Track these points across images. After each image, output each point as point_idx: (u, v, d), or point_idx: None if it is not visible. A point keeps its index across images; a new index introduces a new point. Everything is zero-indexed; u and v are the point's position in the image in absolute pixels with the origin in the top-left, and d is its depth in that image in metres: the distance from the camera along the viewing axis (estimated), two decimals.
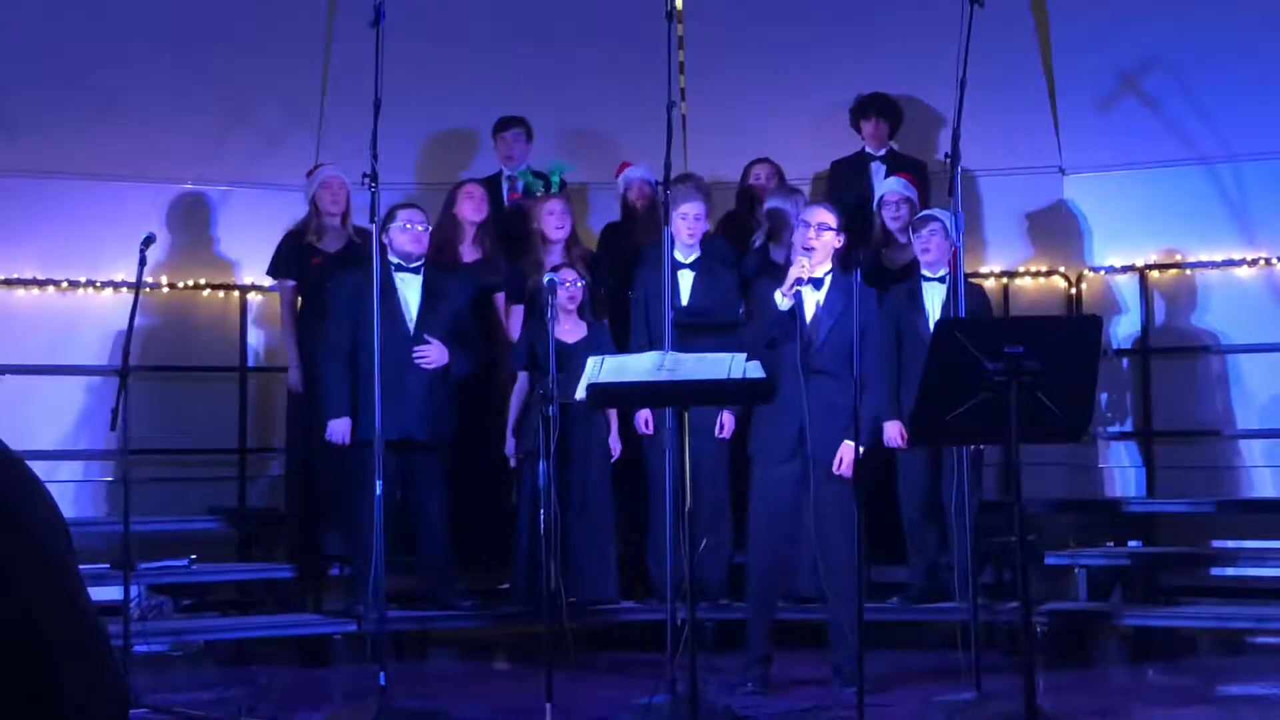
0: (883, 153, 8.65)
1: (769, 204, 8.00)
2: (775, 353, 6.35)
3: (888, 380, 7.45)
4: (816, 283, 6.53)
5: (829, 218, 6.61)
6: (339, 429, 7.38)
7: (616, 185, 8.59)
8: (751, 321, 6.71)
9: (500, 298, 8.14)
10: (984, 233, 8.92)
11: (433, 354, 7.45)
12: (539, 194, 8.35)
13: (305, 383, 7.92)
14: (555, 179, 8.46)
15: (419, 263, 7.50)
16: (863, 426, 6.10)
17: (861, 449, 6.17)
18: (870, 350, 6.49)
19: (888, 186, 8.15)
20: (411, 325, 7.45)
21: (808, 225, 6.57)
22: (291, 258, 8.06)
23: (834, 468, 6.42)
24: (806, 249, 6.50)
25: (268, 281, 8.67)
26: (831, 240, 6.57)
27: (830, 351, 6.47)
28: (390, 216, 7.43)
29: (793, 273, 6.46)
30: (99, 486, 8.34)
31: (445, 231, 7.97)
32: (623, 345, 7.65)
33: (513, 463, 7.75)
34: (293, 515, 8.14)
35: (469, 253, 8.10)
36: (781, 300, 6.44)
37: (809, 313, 6.52)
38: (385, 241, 7.42)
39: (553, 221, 8.02)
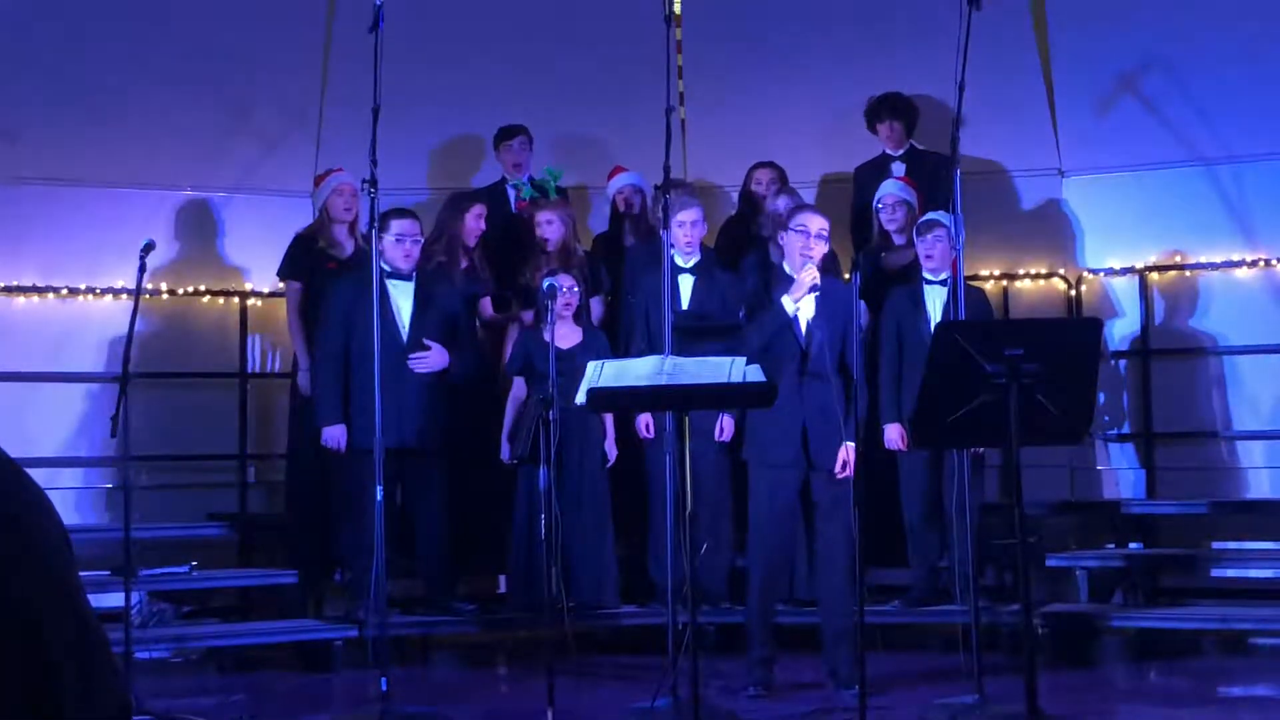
0: (902, 152, 8.61)
1: (773, 206, 7.99)
2: (773, 359, 6.35)
3: (889, 383, 7.47)
4: (813, 288, 6.53)
5: (826, 225, 6.61)
6: (334, 435, 7.39)
7: (606, 190, 8.60)
8: (749, 323, 6.69)
9: (486, 303, 8.15)
10: (983, 235, 8.91)
11: (431, 358, 7.47)
12: (539, 200, 8.38)
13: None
14: (551, 186, 8.47)
15: (410, 271, 7.52)
16: (856, 426, 6.11)
17: (860, 449, 6.18)
18: (864, 351, 6.51)
19: (885, 189, 8.15)
20: (405, 332, 7.47)
21: (806, 233, 6.54)
22: (302, 260, 8.05)
23: (836, 470, 6.43)
24: (806, 255, 6.50)
25: (267, 288, 8.68)
26: (824, 247, 6.59)
27: (825, 355, 6.48)
28: (384, 225, 7.43)
29: (805, 280, 6.43)
30: (99, 493, 8.35)
31: (447, 244, 7.95)
32: (619, 350, 7.67)
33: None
34: (297, 520, 8.12)
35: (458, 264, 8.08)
36: (790, 306, 6.45)
37: (802, 319, 6.52)
38: (378, 249, 7.43)
39: (546, 229, 8.07)
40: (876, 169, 8.60)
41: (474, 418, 7.84)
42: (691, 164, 8.97)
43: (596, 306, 8.17)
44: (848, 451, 6.41)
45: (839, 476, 6.42)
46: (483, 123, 8.86)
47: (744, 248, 8.26)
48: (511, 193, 8.65)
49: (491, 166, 8.90)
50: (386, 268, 7.41)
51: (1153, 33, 8.73)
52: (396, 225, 7.45)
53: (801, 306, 6.51)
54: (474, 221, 8.07)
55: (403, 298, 7.50)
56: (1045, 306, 8.79)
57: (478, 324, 8.17)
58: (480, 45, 9.09)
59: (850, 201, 8.71)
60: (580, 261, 8.07)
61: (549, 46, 9.14)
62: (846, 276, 7.72)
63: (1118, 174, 8.83)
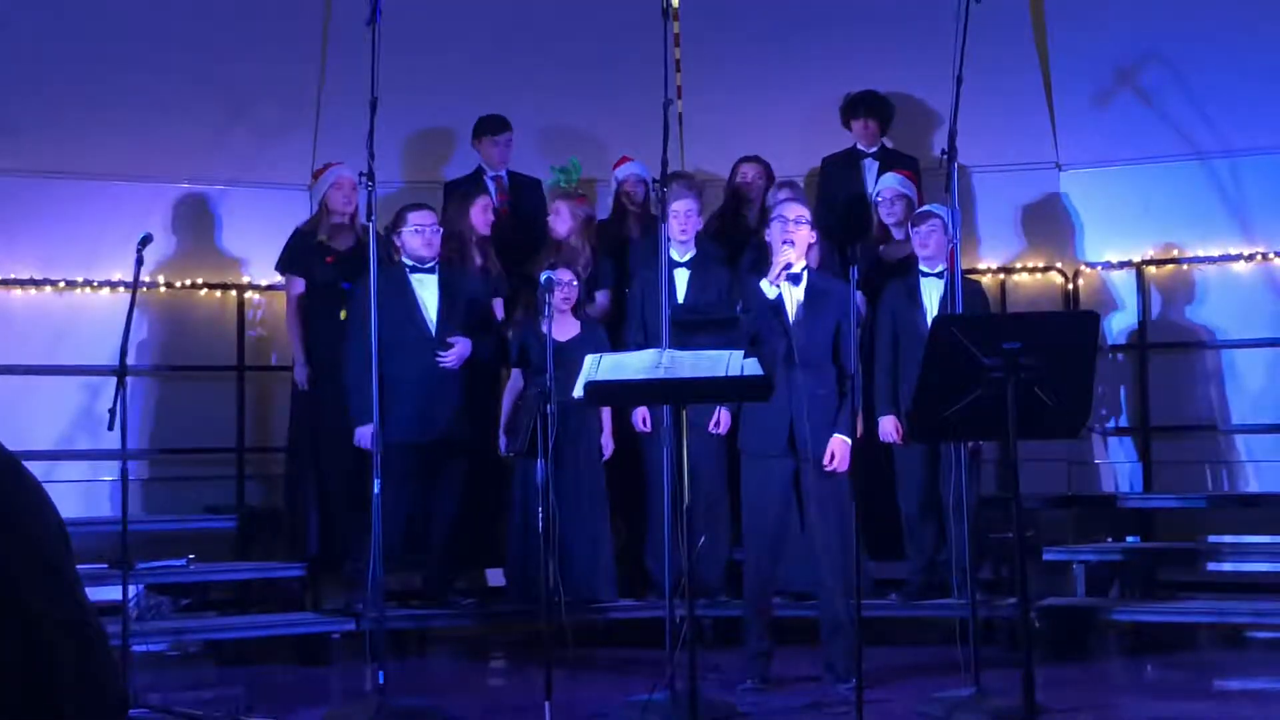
0: (874, 150, 8.65)
1: (770, 199, 7.99)
2: (763, 347, 6.35)
3: (884, 375, 7.47)
4: (795, 279, 6.53)
5: (805, 212, 6.66)
6: (366, 435, 7.36)
7: (610, 180, 8.60)
8: (745, 315, 6.73)
9: (498, 304, 8.13)
10: (981, 228, 8.93)
11: (455, 353, 7.48)
12: (562, 185, 8.39)
13: (311, 379, 7.91)
14: (574, 176, 8.47)
15: (433, 262, 7.53)
16: (851, 421, 6.12)
17: (851, 442, 6.19)
18: (855, 344, 6.52)
19: (884, 183, 8.18)
20: (433, 326, 7.48)
21: (785, 220, 6.59)
22: (301, 255, 8.04)
23: (825, 462, 6.43)
24: (786, 242, 6.54)
25: (264, 281, 8.68)
26: (807, 235, 6.61)
27: (814, 346, 6.49)
28: (400, 219, 7.46)
29: (780, 260, 6.50)
30: (97, 486, 8.34)
31: (458, 238, 7.94)
32: (617, 342, 7.67)
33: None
34: (296, 513, 8.10)
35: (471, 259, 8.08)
36: (769, 289, 6.48)
37: (790, 310, 6.53)
38: (397, 244, 7.46)
39: (553, 219, 8.09)
40: (845, 163, 8.65)
41: (470, 411, 7.83)
42: (689, 156, 8.97)
43: (602, 299, 8.16)
44: (837, 444, 6.42)
45: (827, 469, 6.43)
46: (472, 114, 8.82)
47: (729, 241, 8.25)
48: (491, 186, 8.62)
49: (464, 157, 8.85)
50: (408, 262, 7.44)
51: (1151, 27, 8.73)
52: (414, 218, 7.46)
53: (786, 295, 6.51)
54: (480, 214, 8.06)
55: (428, 290, 7.51)
56: (1043, 300, 8.80)
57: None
58: (473, 37, 9.07)
59: (819, 194, 8.72)
60: (586, 260, 8.05)
61: (540, 39, 9.12)
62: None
63: (1115, 167, 8.84)
